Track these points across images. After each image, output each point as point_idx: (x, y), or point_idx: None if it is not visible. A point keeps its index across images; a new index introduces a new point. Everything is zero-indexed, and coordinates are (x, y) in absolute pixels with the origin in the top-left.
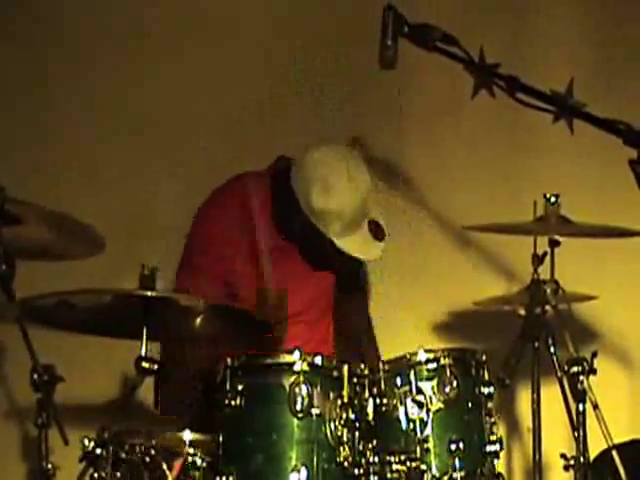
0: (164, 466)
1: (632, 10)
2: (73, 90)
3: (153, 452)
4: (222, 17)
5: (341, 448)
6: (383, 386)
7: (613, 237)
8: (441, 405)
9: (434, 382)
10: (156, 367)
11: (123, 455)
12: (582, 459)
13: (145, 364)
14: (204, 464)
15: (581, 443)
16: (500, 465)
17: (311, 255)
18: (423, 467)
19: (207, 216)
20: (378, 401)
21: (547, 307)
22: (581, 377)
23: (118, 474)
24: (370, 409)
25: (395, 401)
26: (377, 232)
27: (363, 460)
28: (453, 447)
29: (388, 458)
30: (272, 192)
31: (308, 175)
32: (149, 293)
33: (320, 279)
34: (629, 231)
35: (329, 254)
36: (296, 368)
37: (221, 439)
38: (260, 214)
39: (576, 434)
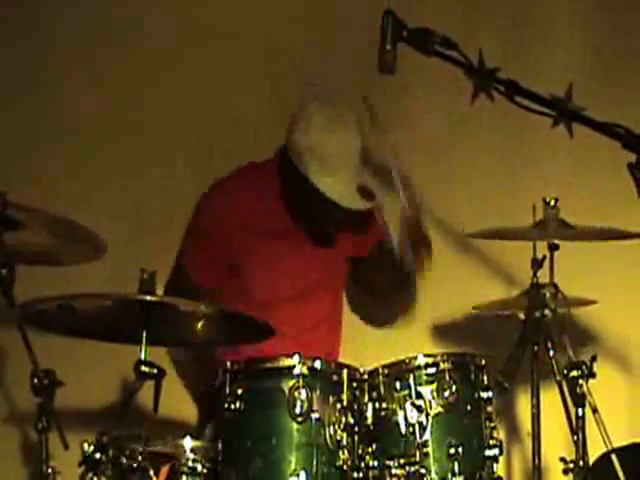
0: (151, 472)
1: (631, 15)
2: (73, 95)
3: (140, 457)
4: (222, 20)
5: (340, 452)
6: (382, 390)
7: (612, 239)
8: (440, 409)
9: (433, 386)
10: (155, 371)
11: (123, 460)
12: (581, 463)
13: (145, 368)
14: (204, 470)
15: (580, 447)
16: (500, 469)
17: (307, 221)
18: (422, 471)
19: (214, 197)
20: (377, 405)
21: (546, 311)
22: (580, 381)
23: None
24: (369, 413)
25: (394, 405)
26: (365, 193)
27: (362, 464)
28: (452, 451)
29: (387, 462)
30: (279, 171)
31: (295, 122)
32: (149, 297)
33: (330, 261)
34: (627, 233)
35: (319, 211)
36: (295, 372)
37: (221, 443)
38: (269, 196)
39: (575, 438)
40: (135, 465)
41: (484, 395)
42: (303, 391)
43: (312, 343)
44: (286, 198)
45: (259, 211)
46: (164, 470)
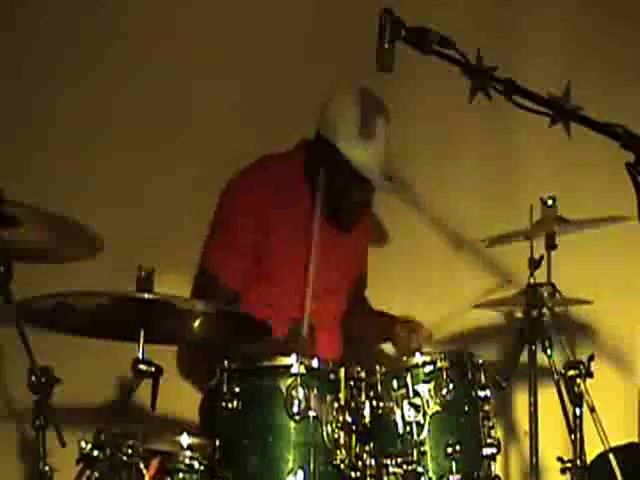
0: (141, 465)
1: (627, 13)
2: (73, 91)
3: (131, 451)
4: (223, 17)
5: (338, 451)
6: (380, 389)
7: (609, 224)
8: (438, 408)
9: (431, 385)
10: (153, 369)
11: (120, 457)
12: (579, 462)
13: (142, 366)
14: (201, 467)
15: (578, 446)
16: (497, 468)
17: (329, 199)
18: (420, 470)
19: (237, 187)
20: (375, 404)
21: (544, 310)
22: (578, 380)
23: (96, 474)
24: (367, 412)
25: (392, 404)
26: (388, 178)
27: (360, 463)
28: (450, 450)
29: (385, 461)
30: (304, 153)
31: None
32: (146, 295)
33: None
34: (622, 217)
35: (343, 184)
36: (293, 371)
37: (218, 441)
38: (293, 182)
39: (573, 437)
40: (125, 459)
41: (481, 394)
42: (300, 390)
43: (324, 342)
44: (310, 180)
45: (284, 203)
46: (154, 463)
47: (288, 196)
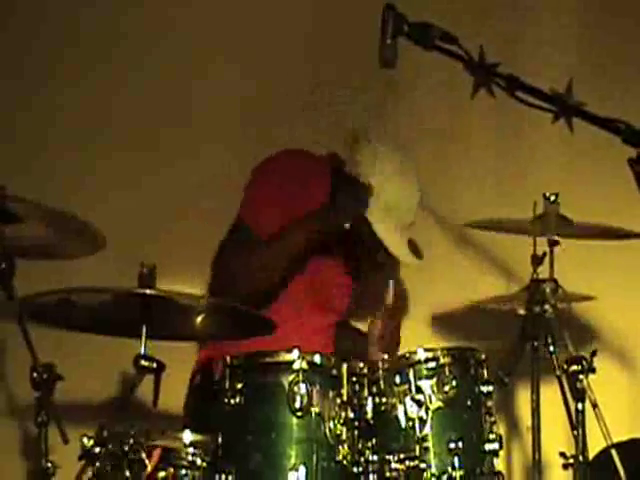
0: (143, 455)
1: (632, 8)
2: (74, 89)
3: (132, 441)
4: (224, 17)
5: (340, 447)
6: (382, 385)
7: (612, 239)
8: (440, 404)
9: (433, 381)
10: (155, 365)
11: (122, 454)
12: (581, 458)
13: (144, 362)
14: (204, 464)
15: (580, 442)
16: (499, 464)
17: (346, 242)
18: (422, 466)
19: (277, 162)
20: (377, 400)
21: (546, 306)
22: (580, 376)
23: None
24: (369, 408)
25: (394, 400)
26: (415, 248)
27: (362, 459)
28: (452, 446)
29: (387, 457)
30: (331, 173)
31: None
32: (148, 291)
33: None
34: (629, 233)
35: (364, 244)
36: (295, 366)
37: (220, 438)
38: (317, 187)
39: (575, 433)
40: (127, 449)
41: (484, 390)
42: (303, 386)
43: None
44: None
45: (306, 195)
46: (156, 453)
47: (311, 195)
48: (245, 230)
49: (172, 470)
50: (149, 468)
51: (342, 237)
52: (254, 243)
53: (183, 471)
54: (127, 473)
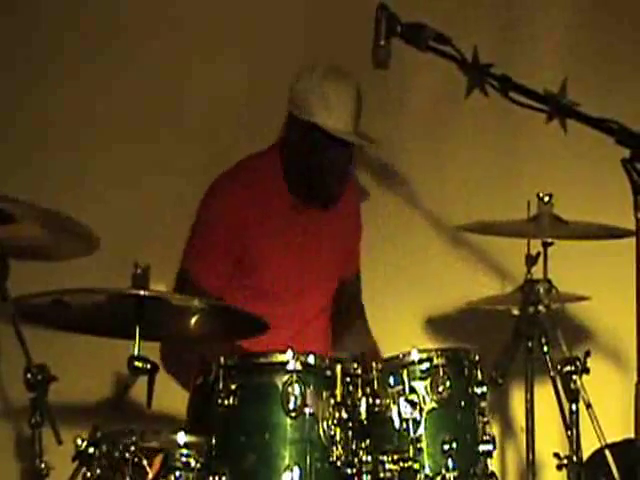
0: (144, 462)
1: (625, 7)
2: (69, 89)
3: (134, 448)
4: (218, 16)
5: (334, 448)
6: (376, 386)
7: (606, 238)
8: (434, 405)
9: (427, 382)
10: (149, 366)
11: (116, 455)
12: (575, 458)
13: (138, 363)
14: (198, 465)
15: (574, 442)
16: (493, 464)
17: (306, 177)
18: (416, 467)
19: (216, 192)
20: (371, 401)
21: (540, 307)
22: (574, 376)
23: (98, 471)
24: (363, 408)
25: (388, 401)
26: (362, 135)
27: (356, 460)
28: (446, 447)
29: (381, 458)
30: (280, 149)
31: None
32: (142, 292)
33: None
34: (621, 231)
35: (316, 156)
36: (289, 367)
37: (214, 438)
38: (272, 179)
39: (569, 433)
40: (128, 456)
41: (478, 390)
42: (297, 386)
43: (311, 336)
44: (286, 169)
45: (263, 202)
46: (158, 459)
47: (267, 194)
48: (189, 278)
49: (173, 478)
50: (150, 476)
51: None
52: (199, 294)
53: (177, 473)
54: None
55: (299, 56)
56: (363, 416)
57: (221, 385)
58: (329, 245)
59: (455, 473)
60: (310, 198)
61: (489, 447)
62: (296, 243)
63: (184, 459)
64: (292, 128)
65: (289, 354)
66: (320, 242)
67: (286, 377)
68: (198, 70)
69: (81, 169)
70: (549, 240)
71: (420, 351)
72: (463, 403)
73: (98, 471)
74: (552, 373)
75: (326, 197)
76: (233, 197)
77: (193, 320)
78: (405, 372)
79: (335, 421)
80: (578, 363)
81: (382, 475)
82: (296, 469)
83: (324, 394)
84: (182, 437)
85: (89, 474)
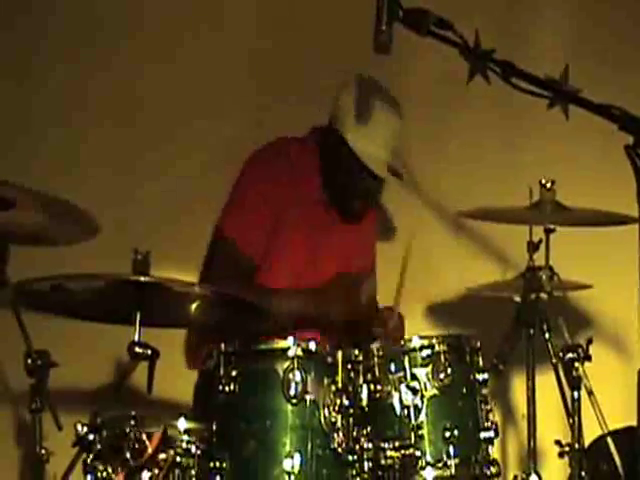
0: (144, 437)
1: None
2: (66, 77)
3: (133, 423)
4: (213, 6)
5: (335, 434)
6: (377, 372)
7: (608, 225)
8: (435, 391)
9: (428, 368)
10: (149, 352)
11: (117, 441)
12: (577, 446)
13: (138, 349)
14: (198, 451)
15: (576, 430)
16: (495, 452)
17: (335, 187)
18: (417, 453)
19: (257, 162)
20: (372, 387)
21: (542, 294)
22: (576, 364)
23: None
24: (364, 395)
25: (389, 387)
26: (392, 170)
27: (357, 446)
28: (447, 434)
29: (382, 444)
30: (319, 147)
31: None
32: (142, 278)
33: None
34: (625, 218)
35: (346, 173)
36: (290, 354)
37: (215, 425)
38: (307, 168)
39: (571, 421)
40: (128, 431)
41: (479, 377)
42: (297, 373)
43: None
44: (321, 167)
45: (297, 187)
46: (157, 435)
47: (302, 182)
48: (231, 245)
49: (172, 452)
50: (150, 450)
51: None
52: (241, 262)
53: (178, 459)
54: (127, 455)
55: (301, 40)
56: (364, 403)
57: (222, 371)
58: (344, 246)
59: (456, 460)
60: (335, 202)
61: (490, 434)
62: (313, 238)
63: (185, 445)
64: (330, 134)
65: (290, 340)
66: (335, 239)
67: (287, 363)
68: (196, 46)
69: (82, 155)
70: (551, 227)
71: (421, 337)
72: (464, 390)
73: (104, 451)
74: (554, 360)
75: (347, 210)
76: (273, 170)
77: (194, 306)
78: (406, 359)
79: (336, 408)
80: (580, 350)
81: (383, 462)
82: (297, 456)
83: (325, 381)
84: (182, 423)
85: (96, 454)
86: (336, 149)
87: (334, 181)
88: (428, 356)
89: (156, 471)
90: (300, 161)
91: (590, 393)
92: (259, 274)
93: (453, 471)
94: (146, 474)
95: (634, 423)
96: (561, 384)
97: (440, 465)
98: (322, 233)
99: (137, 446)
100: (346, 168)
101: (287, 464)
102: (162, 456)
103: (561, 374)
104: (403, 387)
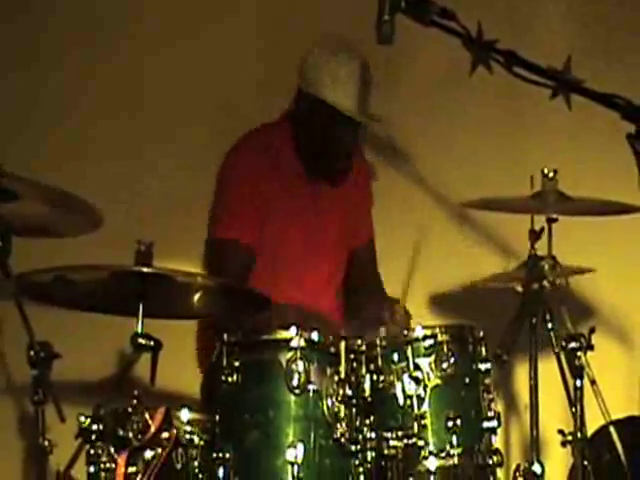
0: (147, 415)
1: None
2: (70, 68)
3: (135, 401)
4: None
5: (338, 424)
6: (380, 362)
7: (611, 214)
8: (438, 381)
9: (431, 358)
10: (152, 344)
11: (120, 432)
12: (579, 435)
13: (141, 341)
14: (201, 442)
15: (578, 419)
16: (498, 441)
17: (316, 152)
18: (420, 443)
19: (237, 156)
20: (375, 377)
21: (545, 283)
22: (579, 353)
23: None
24: (367, 385)
25: (392, 377)
26: (370, 115)
27: (360, 436)
28: (450, 423)
29: (385, 434)
30: (290, 120)
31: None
32: (145, 269)
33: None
34: (627, 207)
35: (326, 132)
36: (293, 344)
37: (218, 416)
38: (284, 149)
39: (573, 410)
40: (131, 410)
41: (482, 367)
42: (300, 363)
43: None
44: (297, 140)
45: (277, 170)
46: (160, 413)
47: (281, 163)
48: (234, 245)
49: (175, 432)
50: (152, 429)
51: None
52: (243, 255)
53: (181, 450)
54: (130, 434)
55: (305, 29)
56: (367, 393)
57: (225, 362)
58: (337, 218)
59: (459, 450)
60: (318, 171)
61: (493, 424)
62: (304, 214)
63: (188, 436)
64: (301, 102)
65: (293, 331)
66: (328, 214)
67: (290, 354)
68: (202, 54)
69: (85, 147)
70: (553, 216)
71: (424, 327)
72: (467, 380)
73: (108, 430)
74: (556, 350)
75: (332, 172)
76: (253, 161)
77: (196, 297)
78: (409, 349)
79: (339, 398)
80: (583, 340)
81: (386, 452)
82: (300, 446)
83: (328, 371)
84: (186, 414)
85: (92, 451)
86: (311, 112)
87: (313, 146)
88: (431, 346)
89: (159, 450)
90: (276, 143)
91: (593, 382)
92: (259, 264)
93: (456, 461)
94: (149, 453)
95: (636, 412)
96: (564, 373)
97: (443, 455)
98: (312, 208)
99: (140, 425)
100: (324, 126)
101: (290, 454)
102: (165, 435)
103: (564, 363)
104: (406, 377)
